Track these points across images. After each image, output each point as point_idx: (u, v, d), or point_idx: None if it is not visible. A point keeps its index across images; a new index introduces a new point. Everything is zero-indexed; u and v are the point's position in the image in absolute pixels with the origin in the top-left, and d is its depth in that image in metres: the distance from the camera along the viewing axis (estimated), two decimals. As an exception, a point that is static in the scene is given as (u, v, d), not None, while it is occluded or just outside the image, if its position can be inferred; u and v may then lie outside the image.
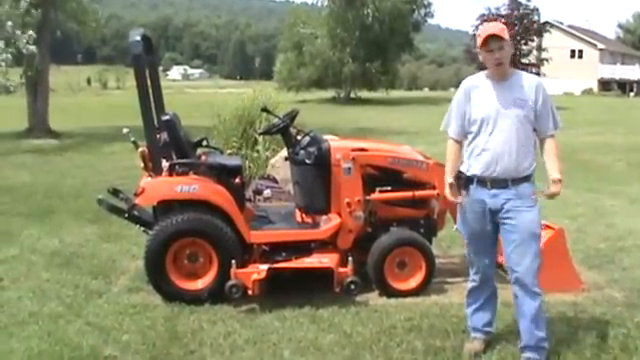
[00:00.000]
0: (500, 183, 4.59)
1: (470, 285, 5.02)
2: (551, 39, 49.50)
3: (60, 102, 32.36)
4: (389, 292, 6.08)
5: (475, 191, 4.69)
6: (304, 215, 6.55)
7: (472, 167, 4.69)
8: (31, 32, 19.73)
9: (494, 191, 4.61)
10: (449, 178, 4.83)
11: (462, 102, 4.76)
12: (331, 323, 5.43)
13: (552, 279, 5.93)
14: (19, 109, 23.78)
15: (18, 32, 19.38)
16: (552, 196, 4.63)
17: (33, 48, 19.65)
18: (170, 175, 6.08)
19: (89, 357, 4.84)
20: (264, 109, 7.21)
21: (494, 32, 4.53)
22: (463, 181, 4.76)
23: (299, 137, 6.57)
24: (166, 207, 6.06)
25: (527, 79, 4.65)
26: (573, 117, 26.75)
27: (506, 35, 4.54)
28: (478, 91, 4.70)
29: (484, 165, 4.62)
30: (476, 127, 4.65)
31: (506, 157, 4.55)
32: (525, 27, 41.97)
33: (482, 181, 4.64)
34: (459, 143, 4.84)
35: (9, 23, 19.19)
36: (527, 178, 4.61)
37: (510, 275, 4.72)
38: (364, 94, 49.78)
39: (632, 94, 58.97)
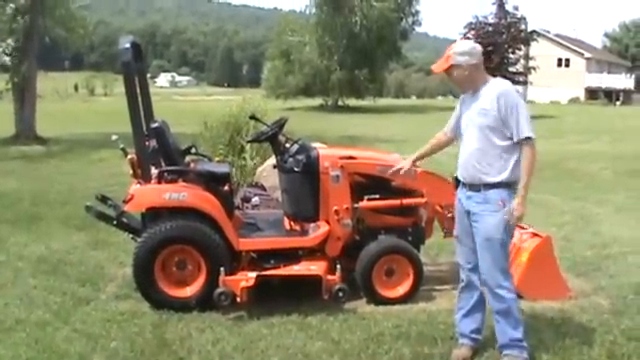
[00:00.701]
0: (473, 187, 4.84)
1: (459, 285, 5.15)
2: (538, 48, 49.73)
3: (47, 108, 32.23)
4: (377, 300, 6.09)
5: (459, 191, 5.03)
6: (292, 223, 6.56)
7: (457, 168, 5.01)
8: (9, 41, 19.52)
9: (469, 193, 4.88)
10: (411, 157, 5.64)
11: (457, 107, 5.16)
12: (319, 330, 5.44)
13: (540, 287, 5.99)
14: (6, 115, 23.67)
15: None
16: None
17: (7, 59, 19.43)
18: (159, 182, 6.08)
19: (77, 364, 4.83)
20: (253, 117, 7.22)
21: (433, 68, 5.07)
22: (455, 182, 5.12)
23: (288, 145, 6.58)
24: (155, 214, 6.06)
25: (492, 89, 4.77)
26: (559, 125, 26.81)
27: (446, 64, 4.83)
28: (463, 101, 5.05)
29: (459, 170, 4.97)
30: (460, 135, 5.07)
31: (471, 164, 4.80)
32: (512, 36, 42.14)
33: (463, 183, 4.94)
34: (446, 136, 5.33)
35: None
36: (498, 185, 4.72)
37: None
38: (352, 102, 49.82)
39: (618, 103, 59.27)
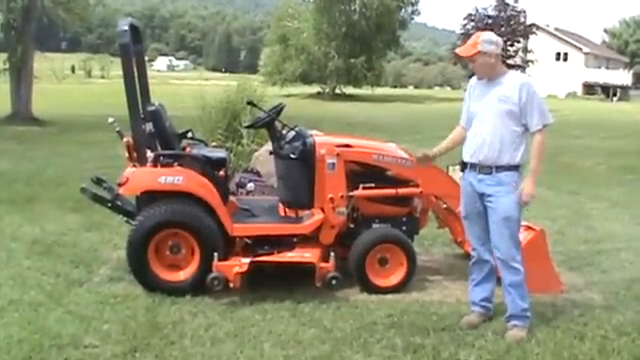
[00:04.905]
0: (484, 169, 5.17)
1: (471, 260, 5.57)
2: (537, 41, 49.75)
3: (44, 89, 32.10)
4: (370, 288, 6.10)
5: (467, 174, 5.32)
6: (287, 209, 6.56)
7: (463, 153, 5.33)
8: None
9: (480, 176, 5.20)
10: (430, 150, 5.68)
11: (466, 97, 5.47)
12: (312, 318, 5.45)
13: (532, 280, 5.97)
14: (2, 95, 23.56)
15: None
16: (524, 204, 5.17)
17: None
18: (154, 166, 6.07)
19: (69, 346, 4.82)
20: (250, 102, 7.20)
21: (459, 52, 5.37)
22: (461, 166, 5.43)
23: (284, 131, 6.57)
24: (149, 197, 6.05)
25: (513, 78, 5.18)
26: (556, 120, 26.67)
27: (474, 50, 5.13)
28: (475, 88, 5.37)
29: (469, 152, 5.25)
30: (471, 120, 5.30)
31: (487, 146, 5.12)
32: (512, 28, 42.20)
33: (472, 166, 5.24)
34: (464, 130, 5.47)
35: None
36: (509, 167, 5.12)
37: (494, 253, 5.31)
38: (349, 90, 49.72)
39: (615, 98, 59.34)
